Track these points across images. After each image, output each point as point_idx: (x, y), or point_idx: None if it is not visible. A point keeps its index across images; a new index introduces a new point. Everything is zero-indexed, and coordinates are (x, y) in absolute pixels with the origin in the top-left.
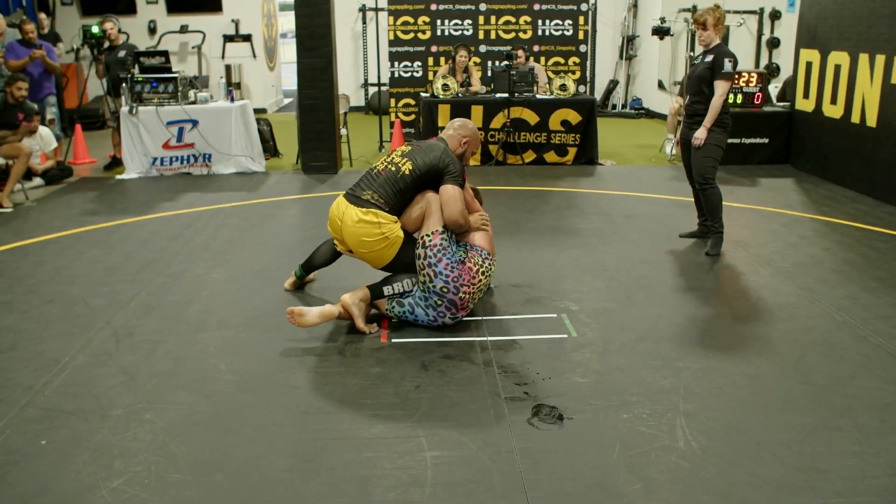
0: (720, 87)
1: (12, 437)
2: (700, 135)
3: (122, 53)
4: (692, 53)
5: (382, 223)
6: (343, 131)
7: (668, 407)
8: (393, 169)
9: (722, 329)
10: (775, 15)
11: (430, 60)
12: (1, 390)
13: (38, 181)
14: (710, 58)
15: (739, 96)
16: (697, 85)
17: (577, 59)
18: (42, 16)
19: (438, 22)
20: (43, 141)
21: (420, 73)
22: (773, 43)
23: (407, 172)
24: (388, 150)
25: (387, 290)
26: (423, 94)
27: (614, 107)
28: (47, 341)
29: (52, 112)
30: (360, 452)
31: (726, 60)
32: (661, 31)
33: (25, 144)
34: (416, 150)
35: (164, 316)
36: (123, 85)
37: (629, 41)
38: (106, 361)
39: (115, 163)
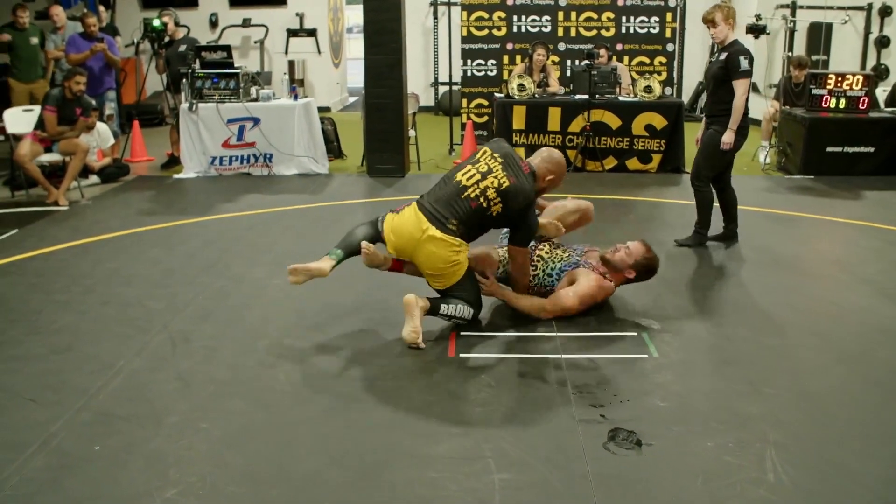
0: (739, 86)
1: (66, 441)
2: (727, 139)
3: (183, 48)
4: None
5: (461, 251)
6: (411, 132)
7: (757, 436)
8: (484, 205)
9: (817, 353)
10: (885, 11)
11: (506, 59)
12: (56, 392)
13: (94, 179)
14: (724, 56)
15: (843, 101)
16: (711, 84)
17: (663, 59)
18: (101, 9)
19: (515, 18)
20: (100, 137)
21: (494, 72)
22: (882, 42)
23: (495, 214)
24: (477, 158)
25: (443, 308)
26: (497, 95)
27: (703, 111)
28: (103, 343)
29: (110, 108)
30: (423, 471)
31: (742, 58)
32: (756, 30)
33: (83, 140)
34: (510, 190)
35: (222, 321)
36: (184, 81)
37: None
38: (162, 366)
39: (173, 161)
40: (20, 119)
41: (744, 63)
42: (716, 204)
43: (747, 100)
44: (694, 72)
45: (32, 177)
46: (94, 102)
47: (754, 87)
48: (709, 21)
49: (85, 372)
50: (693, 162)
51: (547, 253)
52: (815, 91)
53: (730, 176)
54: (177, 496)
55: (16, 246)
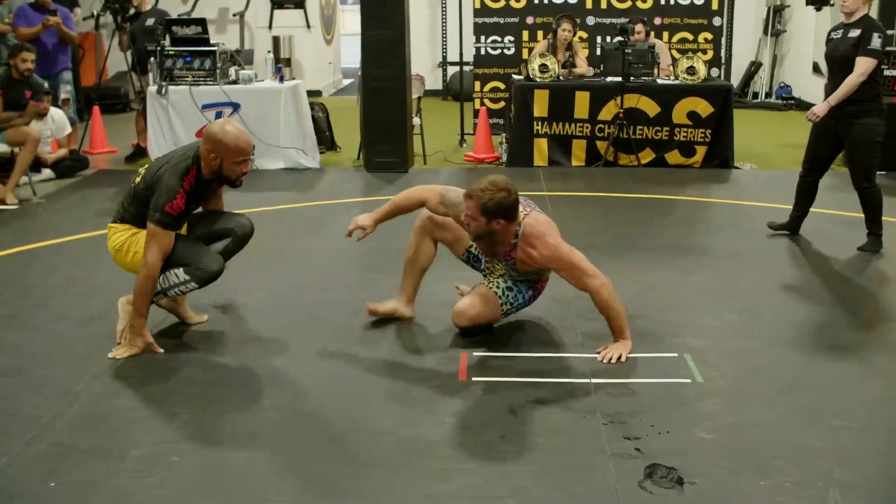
0: (862, 64)
1: (16, 477)
2: (819, 110)
3: (150, 21)
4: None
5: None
6: (416, 120)
7: (820, 474)
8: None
9: (890, 380)
10: None
11: (525, 35)
12: (4, 421)
13: (47, 173)
14: (855, 32)
15: None
16: (845, 68)
17: (709, 35)
18: None
19: None
20: (55, 125)
21: (512, 51)
22: None
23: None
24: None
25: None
26: (515, 77)
27: (756, 95)
28: (58, 365)
29: (66, 91)
30: None
31: (875, 35)
32: (818, 1)
33: (34, 129)
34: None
35: (194, 338)
36: (151, 59)
37: (776, 12)
38: (126, 392)
39: (139, 153)
40: None
41: (875, 41)
42: (856, 215)
43: (880, 83)
44: (745, 50)
45: None
46: (46, 85)
47: (815, 67)
48: None
49: (38, 398)
50: (850, 164)
51: (489, 283)
52: (887, 72)
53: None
54: None
55: None
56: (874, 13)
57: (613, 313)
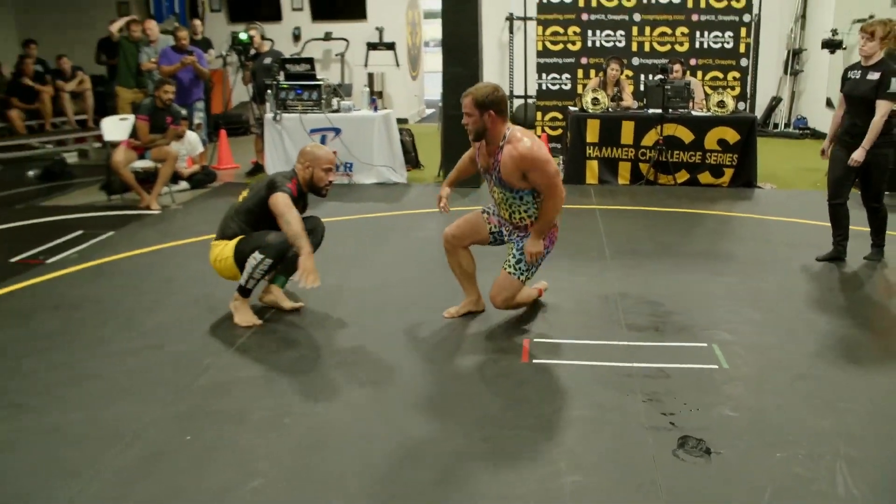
0: (882, 107)
1: (159, 433)
2: (858, 156)
3: (268, 60)
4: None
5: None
6: None
7: (828, 450)
8: None
9: (894, 375)
10: None
11: (580, 73)
12: (149, 386)
13: (183, 185)
14: (874, 75)
15: None
16: (861, 106)
17: (736, 74)
18: (197, 22)
19: (589, 33)
20: (190, 145)
21: (569, 86)
22: None
23: None
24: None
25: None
26: (571, 108)
27: (776, 126)
28: (192, 342)
29: (199, 117)
30: (497, 473)
31: (894, 80)
32: (832, 45)
33: (173, 148)
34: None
35: (302, 324)
36: (268, 91)
37: (795, 55)
38: (247, 364)
39: (258, 169)
40: (116, 127)
41: (894, 85)
42: (863, 229)
43: (890, 117)
44: (767, 87)
45: (126, 182)
46: (183, 112)
47: (828, 102)
48: (868, 33)
49: (176, 368)
50: (863, 186)
51: (505, 263)
52: None
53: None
54: (262, 486)
55: (110, 248)
56: None
57: (545, 215)
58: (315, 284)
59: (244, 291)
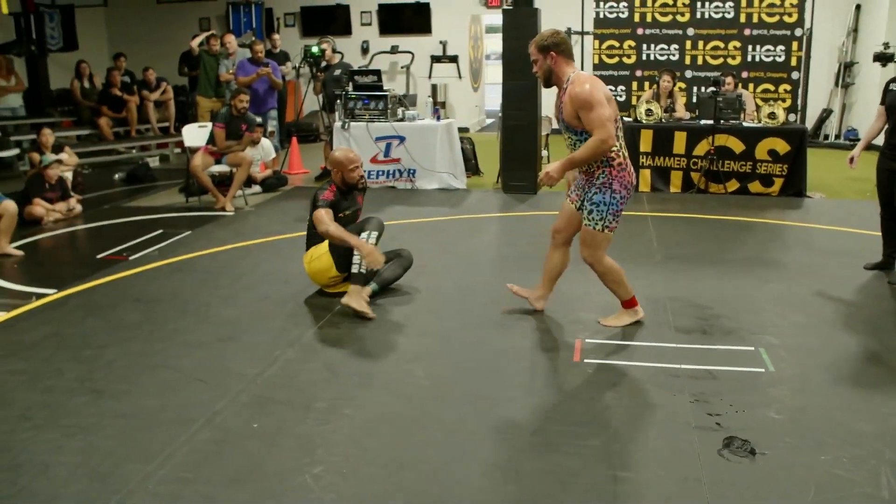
0: None
1: (228, 419)
2: None
3: (337, 72)
4: None
5: None
6: (544, 152)
7: (871, 453)
8: None
9: None
10: None
11: (634, 85)
12: (220, 376)
13: (256, 188)
14: None
15: None
16: None
17: (787, 87)
18: (276, 36)
19: (644, 46)
20: (263, 151)
21: (623, 98)
22: None
23: None
24: None
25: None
26: (626, 119)
27: (826, 137)
28: (262, 335)
29: (272, 125)
30: (545, 464)
31: None
32: (883, 58)
33: (248, 154)
34: None
35: (367, 323)
36: (338, 101)
37: (847, 68)
38: (312, 357)
39: (327, 174)
40: (196, 134)
41: None
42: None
43: None
44: (818, 99)
45: (204, 185)
46: (258, 120)
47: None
48: None
49: (245, 359)
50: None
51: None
52: None
53: None
54: (322, 473)
55: (188, 246)
56: None
57: (586, 148)
58: (377, 265)
59: (359, 278)
